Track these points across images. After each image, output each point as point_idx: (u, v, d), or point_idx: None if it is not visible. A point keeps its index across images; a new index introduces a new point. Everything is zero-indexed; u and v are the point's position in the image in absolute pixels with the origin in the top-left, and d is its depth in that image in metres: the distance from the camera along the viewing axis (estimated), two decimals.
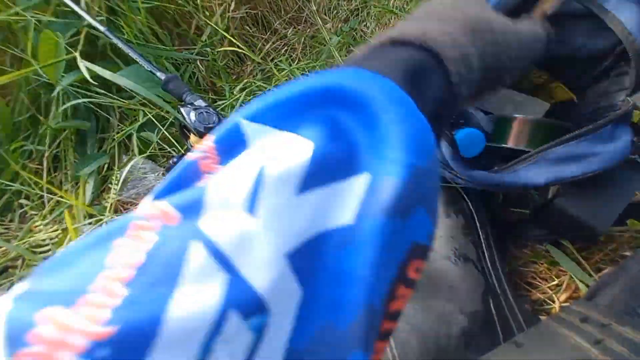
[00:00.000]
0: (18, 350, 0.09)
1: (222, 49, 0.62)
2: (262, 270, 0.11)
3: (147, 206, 0.12)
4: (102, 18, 0.54)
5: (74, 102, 0.54)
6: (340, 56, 0.76)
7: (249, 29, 0.78)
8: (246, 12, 0.74)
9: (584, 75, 0.39)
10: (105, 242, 0.11)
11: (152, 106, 0.57)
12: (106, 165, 0.60)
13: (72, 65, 0.52)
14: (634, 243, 0.35)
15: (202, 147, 0.14)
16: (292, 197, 0.12)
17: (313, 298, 0.12)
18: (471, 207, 0.40)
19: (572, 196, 0.33)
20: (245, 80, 0.69)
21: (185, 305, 0.10)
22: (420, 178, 0.13)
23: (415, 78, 0.16)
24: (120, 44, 0.50)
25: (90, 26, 0.52)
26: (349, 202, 0.13)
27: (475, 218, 0.39)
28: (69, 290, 0.10)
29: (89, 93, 0.56)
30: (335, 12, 0.89)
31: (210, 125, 0.46)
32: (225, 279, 0.10)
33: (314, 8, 0.83)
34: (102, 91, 0.55)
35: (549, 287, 0.37)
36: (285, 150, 0.13)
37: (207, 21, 0.61)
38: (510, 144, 0.39)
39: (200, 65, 0.62)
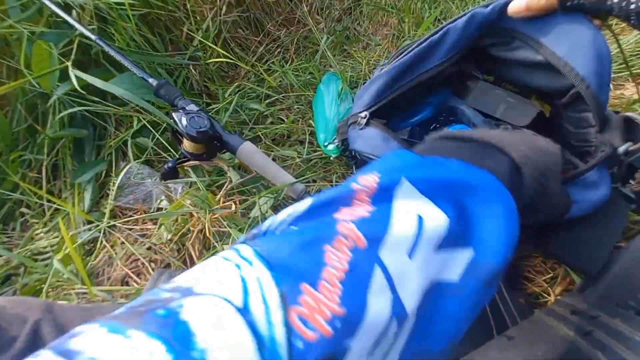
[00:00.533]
0: (291, 305, 0.13)
1: (211, 60, 0.62)
2: (411, 297, 0.16)
3: (343, 225, 0.16)
4: (93, 27, 0.54)
5: (69, 110, 0.55)
6: (334, 55, 0.76)
7: (242, 31, 0.78)
8: (238, 16, 0.75)
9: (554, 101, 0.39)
10: (318, 243, 0.16)
11: (146, 112, 0.57)
12: (104, 172, 0.61)
13: (66, 75, 0.52)
14: (629, 234, 0.35)
15: (366, 181, 0.18)
16: (433, 253, 0.17)
17: (421, 325, 0.16)
18: None
19: (563, 243, 0.33)
20: (238, 83, 0.69)
21: (374, 307, 0.14)
22: (506, 264, 0.18)
23: (510, 182, 0.20)
24: (111, 52, 0.51)
25: (82, 35, 0.52)
26: (458, 266, 0.17)
27: None
28: (309, 273, 0.14)
29: (84, 101, 0.56)
30: (327, 11, 0.89)
31: (202, 130, 0.47)
32: (391, 297, 0.15)
33: (306, 9, 0.83)
34: (97, 99, 0.56)
35: (544, 280, 0.37)
36: (431, 213, 0.17)
37: (198, 27, 0.61)
38: None
39: (193, 70, 0.62)
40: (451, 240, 0.18)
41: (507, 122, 0.44)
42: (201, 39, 0.62)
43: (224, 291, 0.13)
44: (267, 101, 0.68)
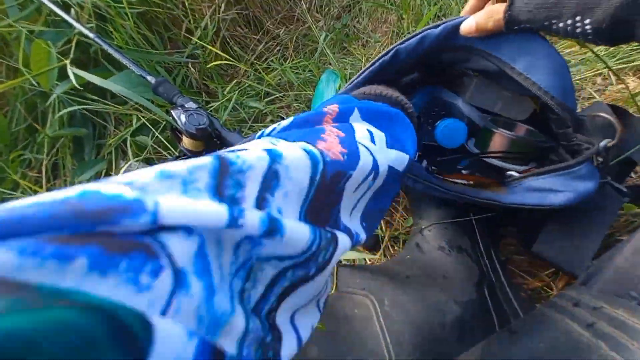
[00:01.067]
0: (314, 143, 0.19)
1: (210, 64, 0.62)
2: (382, 164, 0.23)
3: (325, 126, 0.23)
4: (92, 25, 0.54)
5: (69, 109, 0.55)
6: (333, 53, 0.76)
7: (240, 30, 0.78)
8: (237, 14, 0.75)
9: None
10: (313, 132, 0.21)
11: (145, 110, 0.57)
12: (104, 171, 0.61)
13: (65, 74, 0.52)
14: (630, 227, 0.35)
15: (330, 107, 0.25)
16: (385, 148, 0.25)
17: (384, 188, 0.25)
18: None
19: (549, 243, 0.34)
20: (237, 81, 0.69)
21: (363, 158, 0.21)
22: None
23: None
24: (110, 50, 0.51)
25: (81, 34, 0.52)
26: (401, 162, 0.26)
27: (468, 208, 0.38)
28: (315, 136, 0.21)
29: (83, 100, 0.56)
30: (327, 9, 0.89)
31: (201, 127, 0.46)
32: (372, 157, 0.23)
33: (305, 7, 0.83)
34: (96, 98, 0.56)
35: (546, 275, 0.36)
36: (375, 130, 0.25)
37: (197, 24, 0.61)
38: (492, 154, 0.40)
39: (192, 68, 0.62)
40: (393, 147, 0.26)
41: (505, 117, 0.44)
42: (198, 40, 0.62)
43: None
44: (267, 99, 0.68)
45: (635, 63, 0.56)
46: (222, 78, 0.70)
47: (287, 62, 0.75)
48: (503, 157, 0.42)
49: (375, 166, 0.22)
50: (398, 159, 0.25)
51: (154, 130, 0.55)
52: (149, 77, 0.51)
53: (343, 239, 0.19)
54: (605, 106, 0.35)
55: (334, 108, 0.25)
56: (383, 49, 0.79)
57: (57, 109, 0.57)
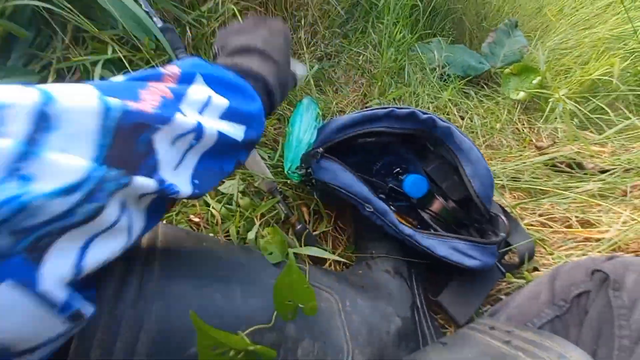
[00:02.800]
0: (126, 100, 0.21)
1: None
2: (209, 127, 0.26)
3: (153, 84, 0.24)
4: None
5: (25, 1, 0.45)
6: (314, 85, 0.83)
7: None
8: (240, 9, 0.76)
9: None
10: (135, 87, 0.23)
11: (121, 46, 0.51)
12: None
13: None
14: (507, 289, 0.48)
15: (170, 69, 0.27)
16: (218, 118, 0.27)
17: (217, 150, 0.28)
18: None
19: (449, 297, 0.45)
20: None
21: (180, 118, 0.23)
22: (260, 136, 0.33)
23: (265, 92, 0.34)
24: None
25: None
26: (239, 134, 0.29)
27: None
28: (134, 91, 0.22)
29: (49, 5, 0.47)
30: (313, 48, 0.98)
31: None
32: (194, 120, 0.25)
33: (300, 35, 0.90)
34: (69, 6, 0.47)
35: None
36: (216, 97, 0.27)
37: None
38: (429, 212, 0.52)
39: (189, 32, 0.59)
40: (231, 117, 0.28)
41: (446, 194, 0.57)
42: (206, 11, 0.60)
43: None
44: None
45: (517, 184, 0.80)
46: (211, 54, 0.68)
47: None
48: (432, 216, 0.54)
49: (197, 128, 0.24)
50: (233, 129, 0.28)
51: (129, 69, 0.49)
52: (155, 19, 0.47)
53: (142, 182, 0.20)
54: (498, 206, 0.51)
55: (174, 70, 0.27)
56: (353, 102, 0.91)
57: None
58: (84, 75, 0.51)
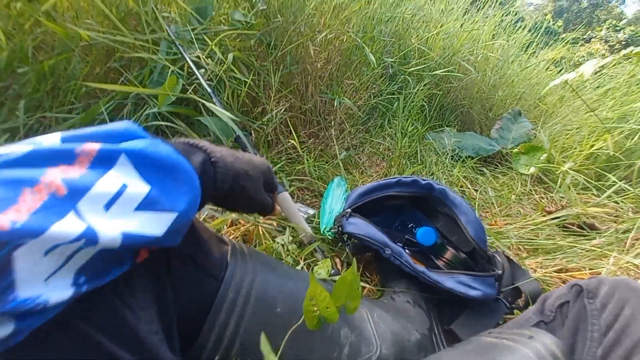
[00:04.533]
0: (15, 199, 0.19)
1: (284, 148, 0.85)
2: (108, 232, 0.22)
3: (50, 176, 0.21)
4: (210, 83, 0.77)
5: (161, 123, 0.71)
6: (344, 168, 1.03)
7: (282, 127, 1.06)
8: (287, 118, 1.04)
9: None
10: (19, 185, 0.20)
11: None
12: None
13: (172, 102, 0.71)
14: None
15: (89, 148, 0.23)
16: (131, 211, 0.24)
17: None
18: None
19: (462, 326, 0.53)
20: (273, 155, 0.91)
21: (57, 227, 0.20)
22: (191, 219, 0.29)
23: (202, 171, 0.31)
24: (216, 103, 0.73)
25: (199, 84, 0.75)
26: (163, 223, 0.25)
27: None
28: (14, 191, 0.20)
29: (167, 123, 0.74)
30: (341, 140, 1.22)
31: None
32: (84, 225, 0.21)
33: (333, 132, 1.15)
34: (181, 123, 0.74)
35: None
36: (137, 184, 0.24)
37: (269, 109, 0.87)
38: (442, 259, 0.64)
39: (253, 134, 0.84)
40: (152, 205, 0.24)
41: (457, 246, 0.68)
42: (267, 120, 0.86)
43: None
44: (290, 178, 0.89)
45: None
46: (268, 149, 0.92)
47: (312, 160, 1.01)
48: (446, 263, 0.64)
49: (87, 234, 0.21)
50: (151, 221, 0.24)
51: None
52: (235, 128, 0.71)
53: None
54: (502, 254, 0.61)
55: (93, 148, 0.23)
56: (375, 180, 1.09)
57: (146, 119, 0.73)
58: None
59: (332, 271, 0.61)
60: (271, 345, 0.26)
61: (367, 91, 1.32)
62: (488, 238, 0.78)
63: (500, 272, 0.54)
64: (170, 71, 0.73)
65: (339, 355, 0.38)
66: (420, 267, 0.55)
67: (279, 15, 0.90)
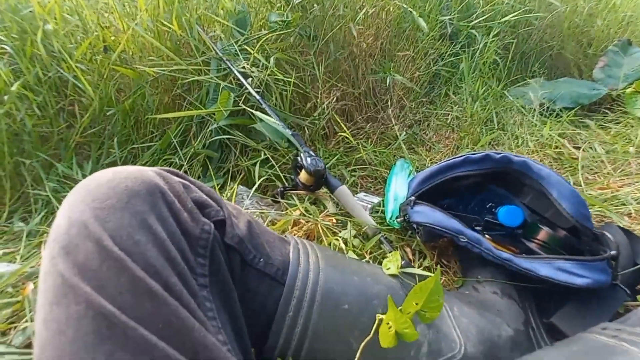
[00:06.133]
0: None
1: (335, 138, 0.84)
2: None
3: None
4: (258, 90, 0.80)
5: (222, 137, 0.76)
6: (408, 148, 0.97)
7: (338, 116, 1.04)
8: (340, 107, 1.01)
9: None
10: None
11: (268, 150, 0.77)
12: (218, 186, 0.79)
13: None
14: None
15: None
16: None
17: None
18: None
19: (565, 318, 0.44)
20: (331, 147, 0.90)
21: None
22: None
23: None
24: (266, 108, 0.74)
25: (249, 93, 0.77)
26: None
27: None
28: None
29: (227, 135, 0.78)
30: (403, 119, 1.14)
31: (319, 168, 0.64)
32: None
33: (390, 112, 1.08)
34: (239, 133, 0.78)
35: None
36: None
37: (319, 104, 0.86)
38: (535, 241, 0.54)
39: (306, 131, 0.84)
40: None
41: (554, 223, 0.57)
42: (318, 115, 0.86)
43: None
44: (349, 169, 0.86)
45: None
46: (324, 141, 0.92)
47: (371, 146, 0.96)
48: (540, 245, 0.54)
49: None
50: None
51: (274, 163, 0.74)
52: (286, 130, 0.72)
53: None
54: (616, 228, 0.48)
55: None
56: (445, 156, 0.99)
57: (212, 134, 0.79)
58: (248, 174, 0.78)
59: (403, 262, 0.58)
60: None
61: (426, 58, 1.20)
62: (595, 209, 0.64)
63: (613, 252, 0.43)
64: (221, 87, 0.77)
65: (416, 355, 0.36)
66: (506, 254, 0.48)
67: (314, 5, 0.87)
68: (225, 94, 0.74)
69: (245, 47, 0.81)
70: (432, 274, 0.52)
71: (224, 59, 0.79)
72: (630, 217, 0.65)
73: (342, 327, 0.35)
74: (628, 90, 1.11)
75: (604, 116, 1.17)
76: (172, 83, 0.87)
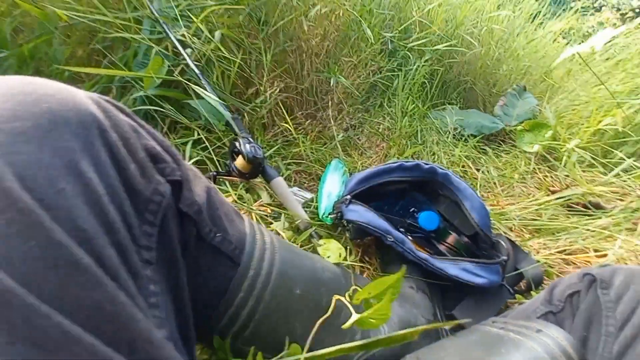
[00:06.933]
0: None
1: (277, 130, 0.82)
2: None
3: None
4: (199, 64, 0.73)
5: (148, 107, 0.68)
6: (342, 149, 1.00)
7: (279, 109, 1.02)
8: (282, 99, 0.99)
9: None
10: None
11: (202, 131, 0.72)
12: None
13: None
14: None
15: None
16: None
17: None
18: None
19: (463, 311, 0.52)
20: (269, 138, 0.88)
21: None
22: None
23: None
24: (206, 85, 0.69)
25: (187, 65, 0.70)
26: None
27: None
28: None
29: (154, 107, 0.70)
30: (340, 121, 1.18)
31: (258, 156, 0.62)
32: None
33: (330, 113, 1.11)
34: (170, 107, 0.70)
35: None
36: None
37: (263, 91, 0.83)
38: (444, 244, 0.62)
39: (246, 117, 0.80)
40: None
41: (459, 230, 0.65)
42: (261, 102, 0.83)
43: None
44: (286, 162, 0.86)
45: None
46: (263, 130, 0.89)
47: (309, 142, 0.97)
48: (448, 248, 0.62)
49: None
50: None
51: (208, 145, 0.68)
52: (226, 112, 0.68)
53: None
54: (505, 239, 0.59)
55: None
56: (375, 162, 1.06)
57: (133, 103, 0.69)
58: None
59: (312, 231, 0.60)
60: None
61: (366, 68, 1.27)
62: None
63: (505, 258, 0.52)
64: (154, 52, 0.68)
65: (351, 339, 0.38)
66: (424, 255, 0.53)
67: None
68: (158, 60, 0.66)
69: (188, 12, 0.73)
70: (368, 266, 0.55)
71: (161, 21, 0.70)
72: (513, 230, 0.78)
73: (290, 311, 0.35)
74: (519, 128, 1.34)
75: (499, 146, 1.40)
76: (90, 35, 0.74)
